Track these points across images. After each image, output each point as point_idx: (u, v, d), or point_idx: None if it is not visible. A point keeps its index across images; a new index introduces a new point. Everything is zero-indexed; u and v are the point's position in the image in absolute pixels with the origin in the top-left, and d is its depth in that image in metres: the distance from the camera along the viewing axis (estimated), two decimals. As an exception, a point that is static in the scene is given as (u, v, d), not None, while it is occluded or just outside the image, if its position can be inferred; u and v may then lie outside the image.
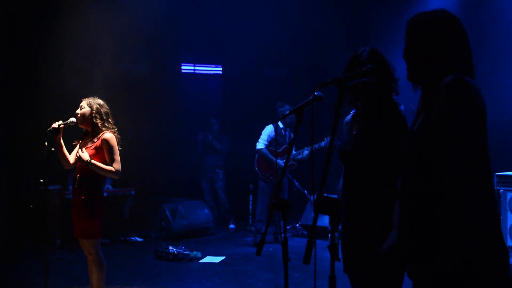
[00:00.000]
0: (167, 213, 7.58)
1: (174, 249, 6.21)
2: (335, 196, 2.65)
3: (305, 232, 7.71)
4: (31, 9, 7.56)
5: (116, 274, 5.54)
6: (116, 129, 4.08)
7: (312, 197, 7.61)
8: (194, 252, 6.27)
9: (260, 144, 7.14)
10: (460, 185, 1.72)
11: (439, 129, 1.78)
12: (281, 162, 6.94)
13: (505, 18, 7.32)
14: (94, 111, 4.00)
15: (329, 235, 1.90)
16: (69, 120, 4.01)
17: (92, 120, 3.99)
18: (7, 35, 7.44)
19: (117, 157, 3.96)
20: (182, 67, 9.81)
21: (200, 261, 6.18)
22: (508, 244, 6.23)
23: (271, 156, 7.05)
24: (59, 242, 7.01)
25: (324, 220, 6.55)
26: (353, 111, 2.82)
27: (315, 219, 1.79)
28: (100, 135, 3.96)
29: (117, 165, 3.94)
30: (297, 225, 7.91)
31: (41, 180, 4.00)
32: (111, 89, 7.29)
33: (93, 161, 3.86)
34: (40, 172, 3.96)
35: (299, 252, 5.44)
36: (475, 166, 1.74)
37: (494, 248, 1.77)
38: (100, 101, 4.08)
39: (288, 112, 7.62)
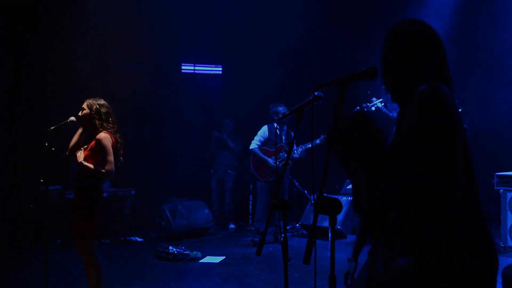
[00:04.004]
0: (167, 213, 7.58)
1: (174, 249, 6.21)
2: (335, 196, 2.64)
3: (305, 232, 7.71)
4: (31, 9, 7.56)
5: (116, 274, 5.54)
6: (116, 129, 4.06)
7: (312, 197, 7.61)
8: (194, 252, 6.27)
9: (253, 145, 7.20)
10: (434, 192, 1.76)
11: (410, 137, 1.81)
12: (271, 160, 7.02)
13: (502, 24, 7.36)
14: (93, 112, 3.99)
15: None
16: (68, 120, 4.02)
17: (91, 121, 3.99)
18: (7, 36, 7.44)
19: (110, 157, 3.90)
20: (182, 67, 9.81)
21: (200, 261, 6.18)
22: (508, 244, 6.23)
23: (262, 155, 7.09)
24: (59, 242, 7.01)
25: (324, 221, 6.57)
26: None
27: (315, 219, 1.79)
28: (96, 135, 3.96)
29: (108, 166, 3.89)
30: (297, 225, 7.91)
31: (41, 180, 4.00)
32: (111, 90, 7.29)
33: (84, 163, 3.87)
34: (40, 172, 3.96)
35: (299, 252, 5.44)
36: (448, 172, 1.76)
37: (479, 251, 1.79)
38: (101, 101, 4.06)
39: (280, 110, 7.60)
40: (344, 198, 7.53)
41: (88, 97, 4.08)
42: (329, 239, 1.85)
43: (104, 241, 7.23)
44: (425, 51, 1.93)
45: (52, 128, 4.05)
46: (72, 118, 4.02)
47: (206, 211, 7.99)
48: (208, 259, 6.26)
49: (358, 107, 7.90)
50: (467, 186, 1.82)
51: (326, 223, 6.60)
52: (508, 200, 6.26)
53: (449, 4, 7.71)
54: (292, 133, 7.10)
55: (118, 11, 7.76)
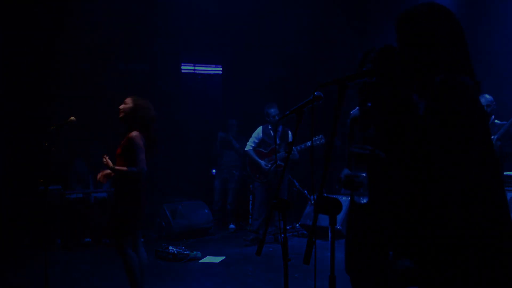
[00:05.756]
0: (167, 213, 7.58)
1: (174, 249, 6.21)
2: (335, 196, 2.63)
3: (305, 232, 7.71)
4: (31, 9, 7.56)
5: (116, 274, 5.54)
6: (149, 127, 4.11)
7: (312, 197, 7.61)
8: (194, 252, 6.27)
9: (248, 146, 7.24)
10: (432, 192, 1.71)
11: (426, 129, 1.74)
12: (263, 163, 7.03)
13: (500, 20, 7.36)
14: (134, 108, 4.09)
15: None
16: (69, 119, 4.04)
17: (131, 115, 4.08)
18: (6, 35, 7.44)
19: (141, 155, 3.98)
20: (182, 67, 9.80)
21: (200, 261, 6.18)
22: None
23: (255, 158, 7.12)
24: (60, 242, 7.01)
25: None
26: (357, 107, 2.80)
27: (315, 219, 1.79)
28: (128, 134, 4.04)
29: (141, 164, 3.97)
30: (297, 225, 7.91)
31: (41, 180, 4.02)
32: (111, 89, 7.29)
33: (117, 167, 3.98)
34: (40, 172, 3.98)
35: (299, 252, 5.44)
36: (465, 167, 1.67)
37: (479, 252, 1.70)
38: (143, 101, 4.16)
39: (271, 112, 7.54)
40: (344, 198, 7.51)
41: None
42: (329, 239, 1.84)
43: (104, 241, 7.23)
44: (443, 36, 1.80)
45: (52, 127, 4.06)
46: (73, 118, 4.04)
47: (206, 211, 7.99)
48: (208, 259, 6.26)
49: (358, 107, 7.88)
50: (488, 183, 1.72)
51: (326, 223, 6.58)
52: (508, 200, 6.24)
53: (448, 3, 7.70)
54: (290, 133, 7.09)
55: (118, 11, 7.76)
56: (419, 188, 1.80)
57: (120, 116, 4.09)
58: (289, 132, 7.18)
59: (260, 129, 7.21)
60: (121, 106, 4.10)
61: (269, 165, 7.02)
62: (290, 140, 7.00)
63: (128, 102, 4.09)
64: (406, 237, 1.88)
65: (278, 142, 7.09)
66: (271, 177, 7.05)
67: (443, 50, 1.80)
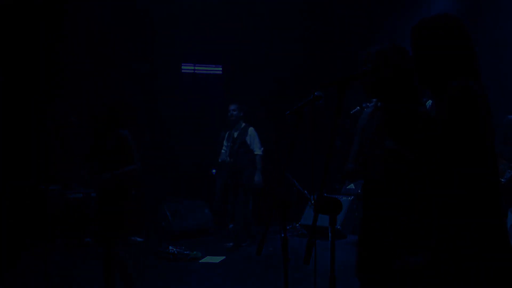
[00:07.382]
0: (167, 213, 7.58)
1: (174, 249, 6.22)
2: (335, 196, 2.61)
3: (305, 232, 7.71)
4: (31, 9, 7.56)
5: (116, 274, 5.53)
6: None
7: (312, 197, 7.61)
8: (194, 252, 6.28)
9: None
10: (455, 190, 1.75)
11: (439, 133, 1.82)
12: (223, 153, 7.22)
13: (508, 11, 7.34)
14: (112, 111, 4.16)
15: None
16: (69, 119, 4.05)
17: (113, 119, 4.15)
18: (5, 35, 7.44)
19: (136, 152, 4.10)
20: (182, 67, 9.80)
21: (200, 261, 6.18)
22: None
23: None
24: (60, 242, 7.01)
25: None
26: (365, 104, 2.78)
27: (315, 219, 1.79)
28: (118, 134, 4.09)
29: (138, 161, 4.12)
30: (297, 225, 7.91)
31: (41, 180, 4.03)
32: (110, 89, 7.29)
33: (116, 172, 3.99)
34: (40, 172, 3.98)
35: (299, 252, 5.45)
36: (474, 171, 1.75)
37: (496, 249, 1.76)
38: (117, 101, 4.25)
39: (231, 107, 7.62)
40: (344, 198, 7.52)
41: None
42: (329, 239, 1.84)
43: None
44: (453, 45, 1.91)
45: (53, 127, 4.07)
46: (73, 118, 4.04)
47: (206, 211, 7.99)
48: (208, 259, 6.27)
49: (358, 107, 7.90)
50: (478, 190, 1.78)
51: (326, 223, 6.58)
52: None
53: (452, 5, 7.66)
54: (252, 129, 7.08)
55: (119, 11, 7.76)
56: (424, 186, 1.84)
57: (98, 120, 4.12)
58: (250, 129, 7.15)
59: (225, 135, 7.32)
60: (97, 112, 4.14)
61: (223, 151, 7.13)
62: (247, 136, 7.05)
63: (104, 106, 4.12)
64: (416, 234, 1.90)
65: (235, 136, 7.12)
66: (224, 173, 7.24)
67: (452, 57, 1.91)
